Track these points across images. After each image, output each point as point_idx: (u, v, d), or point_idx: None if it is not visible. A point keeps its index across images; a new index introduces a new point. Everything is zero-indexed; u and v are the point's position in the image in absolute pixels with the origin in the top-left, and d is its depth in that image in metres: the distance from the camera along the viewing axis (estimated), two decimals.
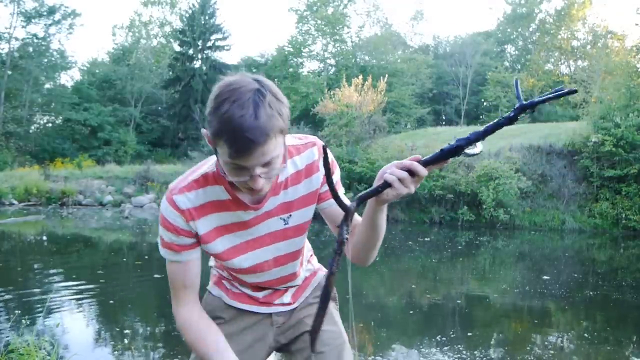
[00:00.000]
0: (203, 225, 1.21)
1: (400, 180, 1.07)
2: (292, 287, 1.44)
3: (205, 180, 1.20)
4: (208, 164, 1.23)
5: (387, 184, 1.08)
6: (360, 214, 1.26)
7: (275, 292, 1.41)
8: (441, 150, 1.05)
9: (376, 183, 1.11)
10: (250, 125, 0.99)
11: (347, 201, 1.11)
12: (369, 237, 1.23)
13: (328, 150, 1.08)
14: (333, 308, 1.48)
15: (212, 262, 1.47)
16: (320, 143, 1.26)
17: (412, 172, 1.07)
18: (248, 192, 1.13)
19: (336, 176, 1.28)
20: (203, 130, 1.11)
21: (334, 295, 1.53)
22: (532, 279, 7.75)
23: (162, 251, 1.25)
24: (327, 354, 1.35)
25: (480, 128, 1.03)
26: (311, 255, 1.53)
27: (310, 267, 1.50)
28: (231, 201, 1.21)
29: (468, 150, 1.03)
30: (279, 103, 1.07)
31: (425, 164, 1.07)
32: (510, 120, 0.99)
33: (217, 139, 1.03)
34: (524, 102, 0.98)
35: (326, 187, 1.29)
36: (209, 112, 1.05)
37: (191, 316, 1.27)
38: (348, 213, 1.05)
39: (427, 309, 5.80)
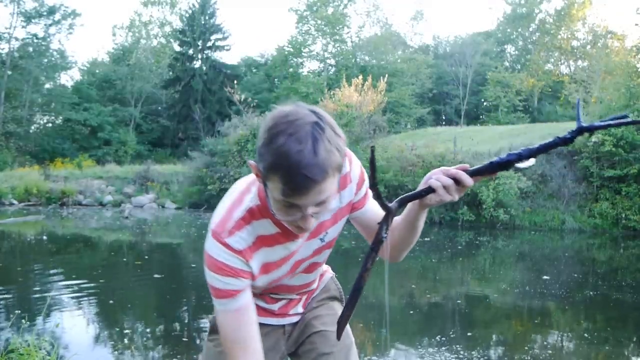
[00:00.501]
0: (256, 263, 1.16)
1: (445, 187, 1.06)
2: (305, 294, 1.43)
3: (251, 215, 1.14)
4: (249, 196, 1.15)
5: (431, 189, 1.07)
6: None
7: (290, 302, 1.40)
8: (490, 162, 1.05)
9: (421, 186, 1.10)
10: (309, 162, 0.92)
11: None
12: (405, 238, 1.22)
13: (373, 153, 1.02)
14: (339, 309, 1.48)
15: None
16: (351, 153, 1.22)
17: (457, 181, 1.07)
18: (295, 229, 1.08)
19: (366, 183, 1.26)
20: (251, 162, 1.05)
21: (340, 295, 1.53)
22: (532, 279, 7.75)
23: (217, 302, 1.15)
24: (336, 354, 1.35)
25: (534, 145, 1.02)
26: None
27: (320, 270, 1.50)
28: (280, 234, 1.16)
29: (519, 165, 1.04)
30: (337, 138, 0.99)
31: (472, 174, 1.08)
32: (565, 142, 0.98)
33: (270, 174, 0.96)
34: (584, 125, 0.96)
35: (359, 197, 1.26)
36: (261, 144, 0.98)
37: None
38: (389, 213, 1.04)
39: (427, 309, 5.80)
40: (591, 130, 0.95)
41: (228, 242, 1.11)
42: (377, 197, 1.04)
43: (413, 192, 1.09)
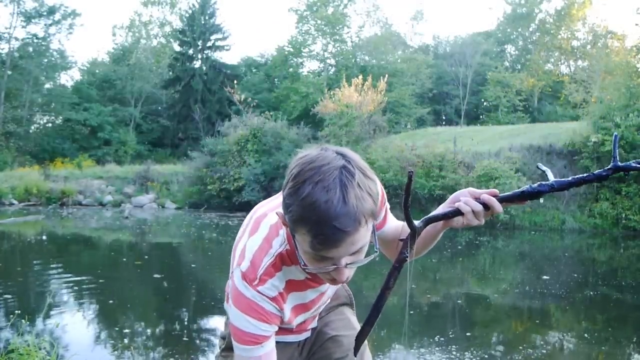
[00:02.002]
0: (288, 308, 1.14)
1: (474, 212, 1.05)
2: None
3: (281, 261, 1.09)
4: (278, 240, 1.10)
5: (458, 212, 1.06)
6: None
7: (307, 319, 1.39)
8: (522, 191, 1.04)
9: (447, 205, 1.10)
10: (339, 213, 0.86)
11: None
12: (419, 252, 1.22)
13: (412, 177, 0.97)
14: (350, 314, 1.48)
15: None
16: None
17: (486, 206, 1.06)
18: (329, 281, 1.03)
19: (385, 205, 1.25)
20: (278, 212, 0.99)
21: (350, 300, 1.53)
22: (532, 279, 7.74)
23: (241, 348, 1.08)
24: (350, 358, 1.35)
25: (567, 178, 1.01)
26: None
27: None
28: (310, 279, 1.14)
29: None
30: (368, 181, 0.94)
31: (502, 200, 1.06)
32: (599, 178, 0.97)
33: (298, 227, 0.91)
34: (620, 164, 0.96)
35: (380, 217, 1.25)
36: (286, 194, 0.92)
37: None
38: (416, 234, 1.04)
39: (427, 309, 5.80)
40: (627, 169, 0.95)
41: (262, 290, 1.06)
42: (407, 218, 1.02)
43: (440, 212, 1.09)
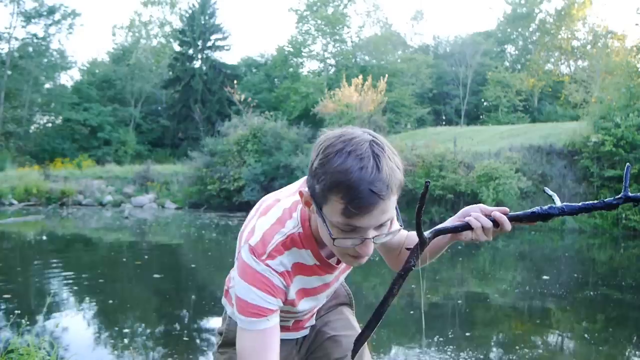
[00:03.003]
0: (293, 288, 1.13)
1: (484, 228, 1.06)
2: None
3: (292, 242, 1.09)
4: (291, 222, 1.10)
5: (468, 226, 1.07)
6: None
7: (303, 317, 1.39)
8: (532, 212, 1.06)
9: (456, 219, 1.11)
10: (374, 178, 0.88)
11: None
12: (424, 260, 1.19)
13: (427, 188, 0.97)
14: (349, 314, 1.47)
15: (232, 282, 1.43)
16: None
17: (496, 223, 1.07)
18: (350, 259, 1.02)
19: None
20: (302, 190, 1.00)
21: (350, 300, 1.52)
22: (532, 279, 7.74)
23: (246, 321, 1.07)
24: (349, 358, 1.35)
25: (577, 204, 1.02)
26: None
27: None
28: (318, 266, 1.14)
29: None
30: (395, 156, 0.96)
31: (512, 219, 1.07)
32: (609, 207, 0.99)
33: (330, 195, 0.90)
34: (630, 194, 0.97)
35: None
36: (317, 165, 0.93)
37: None
38: (423, 244, 1.04)
39: (427, 309, 5.80)
40: (637, 200, 0.97)
41: (271, 264, 1.06)
42: (418, 228, 1.03)
43: (449, 225, 1.10)
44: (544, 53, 35.62)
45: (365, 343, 1.39)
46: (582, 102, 25.87)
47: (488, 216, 1.08)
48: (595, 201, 1.01)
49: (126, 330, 4.63)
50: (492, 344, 4.61)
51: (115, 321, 4.98)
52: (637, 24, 20.87)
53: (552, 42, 34.64)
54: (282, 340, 1.34)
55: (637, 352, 4.41)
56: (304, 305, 1.21)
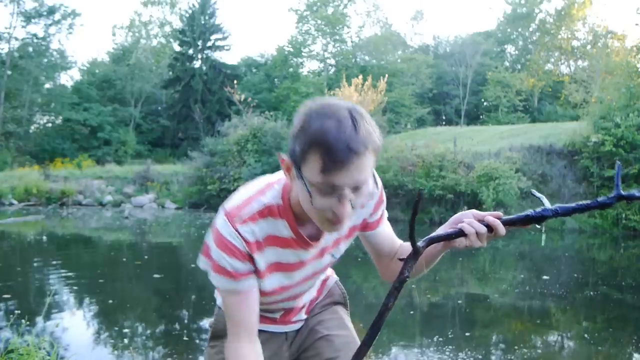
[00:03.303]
0: (261, 260, 1.13)
1: (478, 234, 1.05)
2: (307, 302, 1.41)
3: (269, 212, 1.11)
4: (271, 192, 1.12)
5: (462, 233, 1.06)
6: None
7: (292, 310, 1.38)
8: (526, 215, 1.05)
9: (449, 226, 1.10)
10: (351, 136, 0.92)
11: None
12: (418, 270, 1.18)
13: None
14: (344, 313, 1.46)
15: None
16: (375, 172, 1.19)
17: (490, 228, 1.06)
18: (328, 224, 1.02)
19: (383, 206, 1.25)
20: (281, 155, 1.03)
21: (345, 299, 1.51)
22: (532, 279, 7.74)
23: (218, 279, 1.12)
24: (341, 358, 1.33)
25: (570, 204, 1.02)
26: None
27: (323, 275, 1.46)
28: (294, 240, 1.14)
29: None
30: (375, 126, 0.99)
31: (506, 223, 1.06)
32: (602, 206, 0.98)
33: (308, 154, 0.94)
34: (623, 193, 0.97)
35: (375, 217, 1.24)
36: (297, 130, 0.97)
37: (243, 354, 1.13)
38: (417, 253, 1.03)
39: (427, 309, 5.80)
40: (629, 198, 0.97)
41: (239, 229, 1.08)
42: (411, 237, 1.02)
43: (443, 233, 1.09)
44: (544, 53, 35.63)
45: (358, 340, 1.39)
46: (582, 102, 25.87)
47: (481, 221, 1.07)
48: (589, 201, 1.00)
49: (126, 330, 4.63)
50: (492, 344, 4.61)
51: (115, 321, 4.98)
52: (637, 24, 20.87)
53: (552, 42, 34.64)
54: (270, 334, 1.35)
55: (637, 352, 4.41)
56: (273, 280, 1.18)
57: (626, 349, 4.50)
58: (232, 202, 1.12)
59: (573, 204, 1.01)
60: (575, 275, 8.35)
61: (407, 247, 1.17)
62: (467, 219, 1.07)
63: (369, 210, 1.22)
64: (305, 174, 0.97)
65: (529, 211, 1.06)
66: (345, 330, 1.40)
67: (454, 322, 5.31)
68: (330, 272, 1.51)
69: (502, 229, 1.05)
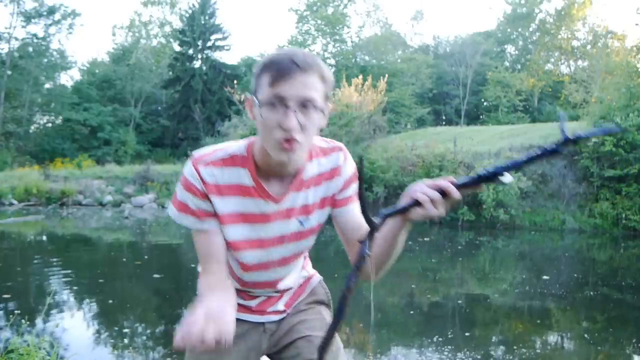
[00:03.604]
0: (222, 205, 1.18)
1: (432, 201, 1.02)
2: (285, 291, 1.41)
3: (232, 161, 1.19)
4: (238, 145, 1.22)
5: (416, 203, 1.03)
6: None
7: (268, 299, 1.39)
8: (478, 175, 1.01)
9: (404, 200, 1.06)
10: (295, 54, 1.06)
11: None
12: (383, 255, 1.17)
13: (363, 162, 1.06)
14: (327, 314, 1.45)
15: None
16: (348, 152, 1.29)
17: (444, 194, 1.02)
18: (280, 148, 1.08)
19: (354, 185, 1.28)
20: (246, 97, 1.18)
21: (328, 300, 1.50)
22: (532, 279, 7.74)
23: (185, 219, 1.20)
24: None
25: (520, 158, 0.99)
26: (306, 260, 1.50)
27: (305, 273, 1.47)
28: (254, 188, 1.19)
29: (501, 178, 1.00)
30: (326, 66, 1.11)
31: (459, 186, 1.03)
32: (551, 153, 0.96)
33: (260, 77, 1.08)
34: (569, 136, 0.95)
35: (344, 195, 1.28)
36: (255, 68, 1.11)
37: (214, 285, 1.19)
38: (374, 229, 1.01)
39: (427, 309, 5.80)
40: (576, 141, 0.95)
41: (200, 170, 1.17)
42: (363, 211, 1.01)
43: (398, 206, 1.05)
44: (544, 53, 35.62)
45: (341, 345, 1.37)
46: (582, 102, 25.87)
47: (435, 189, 1.03)
48: (538, 151, 0.97)
49: (126, 330, 4.63)
50: (492, 344, 4.61)
51: (115, 321, 4.98)
52: (637, 24, 20.86)
53: (552, 42, 34.63)
54: (249, 326, 1.36)
55: (637, 352, 4.41)
56: (237, 231, 1.21)
57: (626, 349, 4.50)
58: (201, 150, 1.22)
59: (523, 156, 0.98)
60: (575, 275, 8.35)
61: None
62: (419, 188, 1.04)
63: (339, 185, 1.27)
64: (259, 96, 1.08)
65: (481, 170, 1.02)
66: None
67: (453, 322, 5.31)
68: (313, 272, 1.51)
69: (455, 192, 1.01)
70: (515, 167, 0.99)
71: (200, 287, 1.22)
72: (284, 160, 1.11)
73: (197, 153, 1.20)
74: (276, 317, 1.40)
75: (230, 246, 1.23)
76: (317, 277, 1.52)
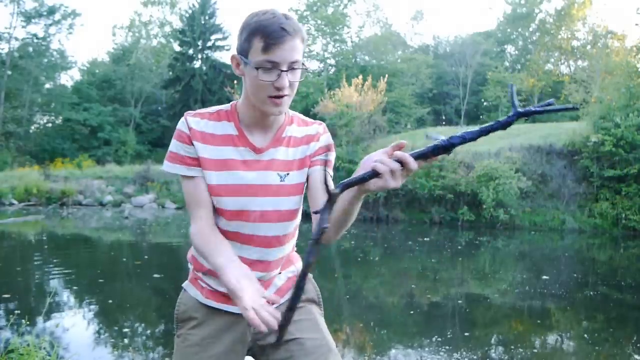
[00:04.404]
0: (205, 151, 1.29)
1: (392, 171, 1.01)
2: (270, 281, 1.39)
3: (218, 115, 1.32)
4: (224, 105, 1.36)
5: (375, 174, 1.02)
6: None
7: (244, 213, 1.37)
8: (435, 145, 1.01)
9: (361, 170, 1.05)
10: (282, 21, 1.17)
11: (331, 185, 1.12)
12: (339, 222, 1.22)
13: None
14: (317, 314, 1.44)
15: (189, 254, 1.44)
16: (326, 127, 1.44)
17: (402, 164, 1.01)
18: (271, 103, 1.22)
19: (330, 154, 1.37)
20: (232, 56, 1.25)
21: (318, 298, 1.48)
22: (532, 279, 7.75)
23: (176, 168, 1.30)
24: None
25: (474, 128, 1.01)
26: (297, 257, 1.50)
27: (293, 268, 1.46)
28: (237, 137, 1.31)
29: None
30: (302, 25, 1.24)
31: (416, 157, 1.02)
32: (503, 126, 1.00)
33: (251, 39, 1.18)
34: (520, 110, 1.00)
35: (318, 157, 1.37)
36: (241, 28, 1.20)
37: (202, 229, 1.29)
38: (331, 198, 1.01)
39: (427, 309, 5.80)
40: (528, 114, 0.99)
41: (187, 118, 1.31)
42: (324, 182, 1.04)
43: (356, 176, 1.04)
44: (544, 53, 35.61)
45: (333, 349, 1.35)
46: (582, 102, 25.85)
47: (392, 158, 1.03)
48: (492, 122, 1.00)
49: (126, 330, 4.63)
50: (492, 344, 4.61)
51: (115, 321, 4.98)
52: (637, 24, 20.86)
53: (552, 42, 34.62)
54: (228, 315, 1.36)
55: (637, 352, 4.41)
56: (220, 176, 1.29)
57: (626, 349, 4.50)
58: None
59: (477, 128, 1.01)
60: (575, 275, 8.35)
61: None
62: (377, 157, 1.03)
63: (315, 149, 1.37)
64: (251, 58, 1.19)
65: (438, 140, 1.02)
66: (317, 333, 1.37)
67: (453, 322, 5.31)
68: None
69: (412, 162, 1.01)
70: (472, 137, 1.01)
71: (192, 233, 1.30)
72: (274, 113, 1.25)
73: (190, 112, 1.35)
74: None
75: (211, 191, 1.30)
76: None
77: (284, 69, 1.18)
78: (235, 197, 1.29)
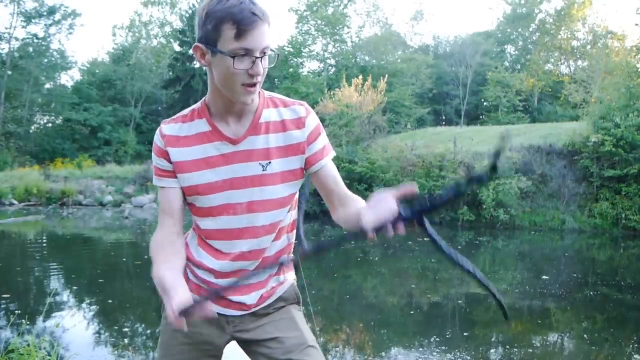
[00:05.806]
0: (181, 155, 1.29)
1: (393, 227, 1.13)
2: (255, 285, 1.37)
3: (191, 115, 1.32)
4: (195, 104, 1.35)
5: (381, 227, 1.12)
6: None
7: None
8: (420, 208, 1.13)
9: (372, 206, 1.15)
10: (252, 6, 1.14)
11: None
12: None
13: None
14: (295, 312, 1.44)
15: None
16: (310, 108, 1.36)
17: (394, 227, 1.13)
18: (244, 91, 1.20)
19: (322, 138, 1.35)
20: (195, 46, 1.19)
21: (298, 299, 1.48)
22: (532, 279, 7.75)
23: (155, 180, 1.35)
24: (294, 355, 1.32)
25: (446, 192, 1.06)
26: (288, 266, 1.47)
27: (281, 278, 1.43)
28: (211, 132, 1.29)
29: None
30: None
31: (405, 220, 1.14)
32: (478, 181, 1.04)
33: (221, 27, 1.13)
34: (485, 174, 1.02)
35: (314, 149, 1.33)
36: (204, 16, 1.15)
37: (164, 237, 1.32)
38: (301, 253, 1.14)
39: (426, 309, 5.80)
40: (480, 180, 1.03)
41: (162, 127, 1.32)
42: (297, 235, 1.16)
43: (346, 234, 1.16)
44: (544, 53, 35.61)
45: (314, 346, 1.37)
46: (582, 102, 25.85)
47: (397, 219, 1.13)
48: (465, 182, 1.05)
49: (126, 330, 4.63)
50: (492, 344, 4.61)
51: (115, 321, 4.98)
52: (637, 24, 20.85)
53: (552, 42, 34.63)
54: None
55: (637, 352, 4.41)
56: (200, 176, 1.29)
57: (626, 349, 4.50)
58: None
59: (451, 192, 1.06)
60: (575, 275, 8.35)
61: (363, 212, 1.18)
62: (392, 218, 1.11)
63: (303, 137, 1.31)
64: (221, 47, 1.15)
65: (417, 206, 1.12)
66: (296, 331, 1.37)
67: (453, 322, 5.32)
68: (291, 278, 1.47)
69: (400, 230, 1.13)
70: (444, 201, 1.08)
71: (152, 239, 1.33)
72: (246, 101, 1.23)
73: (166, 119, 1.36)
74: (239, 313, 1.37)
75: (194, 191, 1.30)
76: (292, 279, 1.48)
77: (258, 55, 1.16)
78: (220, 192, 1.29)
